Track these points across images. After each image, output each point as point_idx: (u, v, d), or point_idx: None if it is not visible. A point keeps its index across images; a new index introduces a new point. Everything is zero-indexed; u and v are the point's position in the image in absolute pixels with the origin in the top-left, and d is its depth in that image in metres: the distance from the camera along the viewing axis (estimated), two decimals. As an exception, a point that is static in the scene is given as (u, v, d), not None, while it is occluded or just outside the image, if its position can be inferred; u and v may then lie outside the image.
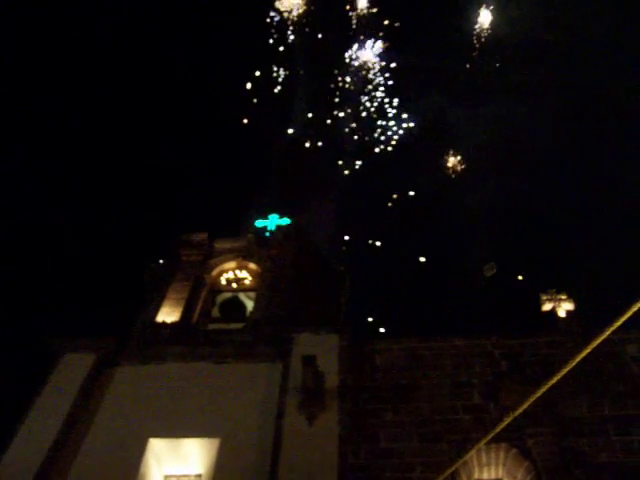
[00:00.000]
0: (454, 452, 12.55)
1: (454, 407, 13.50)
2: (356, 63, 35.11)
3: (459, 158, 31.08)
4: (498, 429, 6.68)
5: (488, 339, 15.06)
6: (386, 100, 34.77)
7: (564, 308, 16.13)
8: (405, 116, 34.30)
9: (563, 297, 16.34)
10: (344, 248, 20.90)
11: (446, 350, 14.93)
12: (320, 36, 36.30)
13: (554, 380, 5.95)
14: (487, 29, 35.00)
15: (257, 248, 19.30)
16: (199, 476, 12.91)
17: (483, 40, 35.13)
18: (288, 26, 35.94)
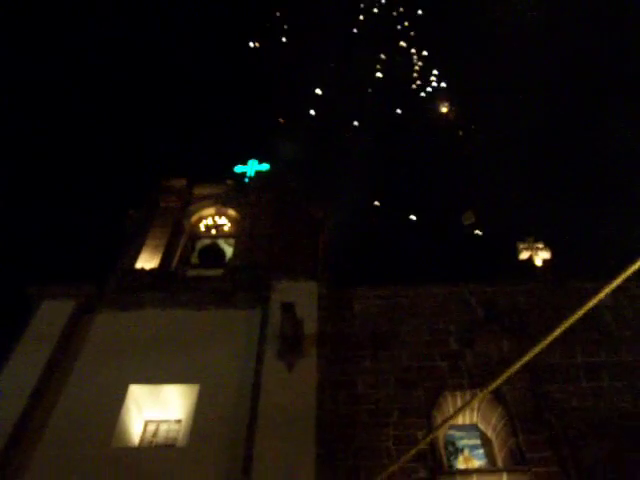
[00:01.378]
0: (430, 398, 12.80)
1: (431, 354, 13.69)
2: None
3: (449, 105, 30.68)
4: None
5: (465, 286, 15.22)
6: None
7: (541, 257, 16.29)
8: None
9: (540, 246, 16.49)
10: (324, 195, 20.73)
11: (423, 298, 15.07)
12: None
13: (557, 332, 6.03)
14: None
15: (236, 194, 19.22)
16: (179, 421, 13.05)
17: None
18: None
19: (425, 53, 30.96)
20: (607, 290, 5.97)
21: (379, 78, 30.23)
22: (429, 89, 29.99)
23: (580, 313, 6.00)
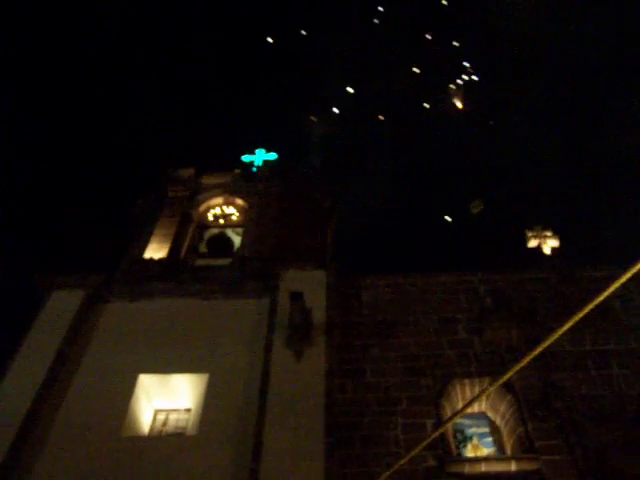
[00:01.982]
0: (439, 386, 12.82)
1: (439, 342, 13.71)
2: None
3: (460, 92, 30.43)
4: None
5: (473, 275, 15.22)
6: None
7: (549, 245, 16.26)
8: None
9: (548, 234, 16.45)
10: (332, 183, 20.70)
11: (432, 286, 15.08)
12: None
13: (579, 316, 5.98)
14: None
15: (244, 183, 19.23)
16: (188, 410, 13.11)
17: None
18: None
19: (456, 44, 30.72)
20: (617, 284, 5.91)
21: (410, 71, 30.02)
22: (459, 81, 29.75)
23: (590, 306, 5.95)
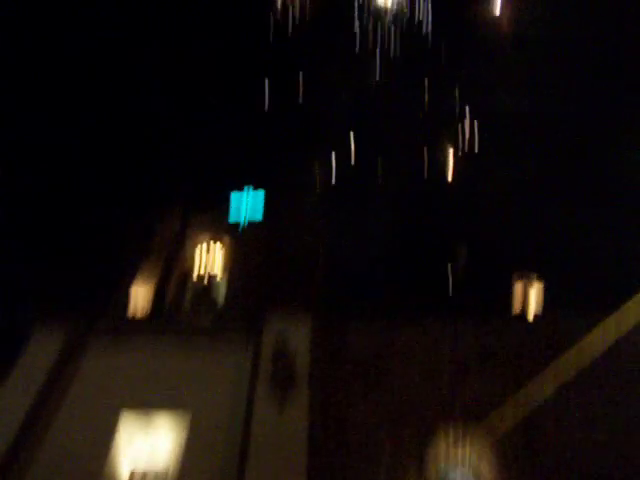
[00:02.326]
0: (423, 437, 12.70)
1: (424, 392, 13.60)
2: None
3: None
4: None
5: (459, 323, 15.16)
6: None
7: (535, 289, 16.26)
8: None
9: (534, 278, 16.47)
10: (322, 226, 20.67)
11: (418, 334, 15.01)
12: None
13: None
14: None
15: (230, 227, 19.22)
16: (169, 450, 12.95)
17: None
18: None
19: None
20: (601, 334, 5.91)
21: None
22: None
23: (574, 355, 5.94)
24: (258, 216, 20.12)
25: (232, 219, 20.06)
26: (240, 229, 19.72)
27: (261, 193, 20.52)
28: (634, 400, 13.07)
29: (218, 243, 18.76)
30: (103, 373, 14.10)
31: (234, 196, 20.38)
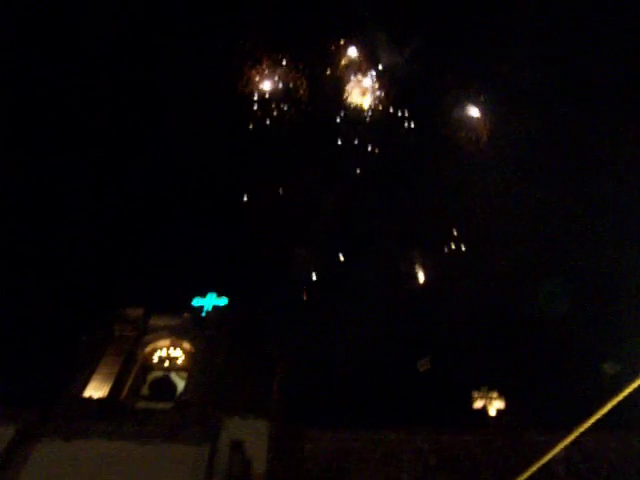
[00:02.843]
0: None
1: (382, 502, 13.35)
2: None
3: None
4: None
5: (418, 434, 15.04)
6: None
7: (495, 406, 16.27)
8: None
9: (494, 395, 16.50)
10: (282, 334, 20.68)
11: (376, 443, 14.83)
12: None
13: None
14: None
15: (192, 327, 19.09)
16: None
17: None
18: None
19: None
20: (560, 448, 5.98)
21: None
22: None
23: (533, 469, 5.97)
24: (223, 301, 20.13)
25: (196, 302, 20.03)
26: (204, 312, 19.64)
27: (224, 301, 20.57)
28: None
29: (182, 341, 18.63)
30: (53, 466, 13.59)
31: (196, 302, 20.41)
